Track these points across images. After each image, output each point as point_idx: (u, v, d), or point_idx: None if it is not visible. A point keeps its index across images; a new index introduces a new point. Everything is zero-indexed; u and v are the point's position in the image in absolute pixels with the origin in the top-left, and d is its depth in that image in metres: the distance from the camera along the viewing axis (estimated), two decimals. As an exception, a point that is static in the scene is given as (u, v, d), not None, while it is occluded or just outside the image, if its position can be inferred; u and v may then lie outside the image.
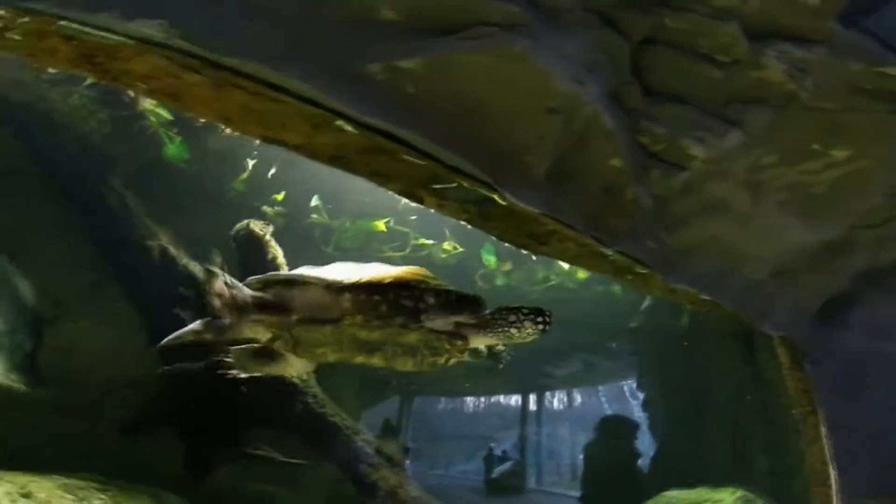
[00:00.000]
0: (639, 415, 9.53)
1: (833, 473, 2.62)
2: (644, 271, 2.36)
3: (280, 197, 4.72)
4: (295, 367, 2.33)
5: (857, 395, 2.75)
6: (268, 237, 4.20)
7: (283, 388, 4.33)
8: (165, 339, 2.08)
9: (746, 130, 1.56)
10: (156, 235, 4.57)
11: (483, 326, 1.98)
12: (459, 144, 1.51)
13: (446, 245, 5.12)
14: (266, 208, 4.75)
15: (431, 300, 1.90)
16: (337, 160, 1.82)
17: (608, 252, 2.04)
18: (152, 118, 4.34)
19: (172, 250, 4.52)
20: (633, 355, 8.58)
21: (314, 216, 4.87)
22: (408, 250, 5.06)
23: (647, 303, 7.00)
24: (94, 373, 4.49)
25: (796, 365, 2.99)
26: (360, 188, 4.88)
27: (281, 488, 4.84)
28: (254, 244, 4.21)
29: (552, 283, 5.89)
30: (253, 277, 2.08)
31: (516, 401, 19.95)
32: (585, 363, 10.85)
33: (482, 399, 24.69)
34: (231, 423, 4.29)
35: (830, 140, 1.73)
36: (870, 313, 2.88)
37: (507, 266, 5.60)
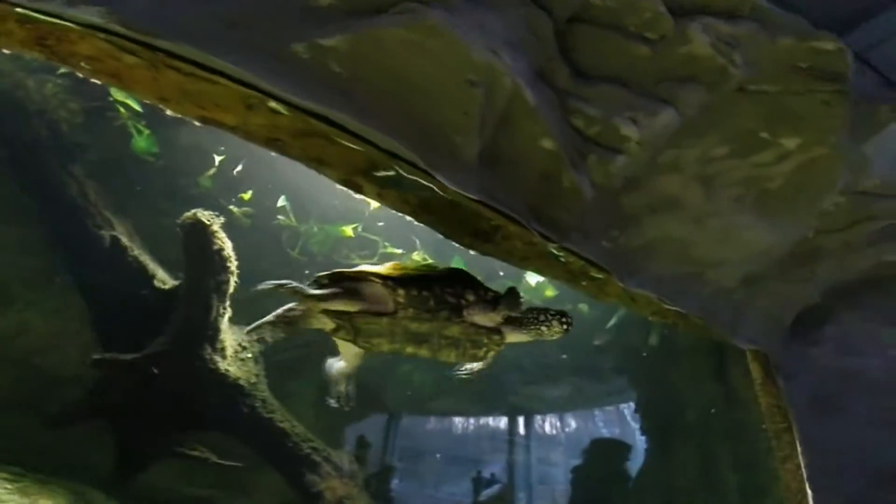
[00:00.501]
0: (640, 438, 9.42)
1: (809, 493, 2.56)
2: (600, 276, 2.31)
3: (247, 196, 4.66)
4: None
5: (833, 412, 2.71)
6: (215, 227, 4.11)
7: (229, 390, 4.24)
8: (250, 326, 2.34)
9: (680, 110, 1.52)
10: (112, 226, 4.50)
11: (518, 323, 2.21)
12: (390, 125, 1.49)
13: (416, 256, 5.05)
14: (233, 207, 4.68)
15: (471, 297, 2.14)
16: (273, 143, 1.83)
17: (557, 252, 1.99)
18: (121, 109, 4.29)
19: (124, 241, 4.44)
20: (619, 376, 8.49)
21: (281, 218, 4.80)
22: (376, 259, 4.99)
23: (613, 320, 6.96)
24: (35, 365, 4.39)
25: (769, 380, 2.94)
26: (329, 191, 4.83)
27: (222, 493, 4.71)
28: (200, 234, 4.13)
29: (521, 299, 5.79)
30: (322, 273, 2.28)
31: (505, 423, 19.89)
32: (572, 385, 10.72)
33: (471, 420, 24.58)
34: (168, 421, 4.18)
35: (777, 127, 1.70)
36: (840, 330, 2.86)
37: (477, 280, 5.50)
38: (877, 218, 2.23)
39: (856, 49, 1.95)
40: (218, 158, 4.52)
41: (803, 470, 2.58)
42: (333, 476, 4.17)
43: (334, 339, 2.37)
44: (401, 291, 2.09)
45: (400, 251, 5.10)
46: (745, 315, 2.81)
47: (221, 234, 4.10)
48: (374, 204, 4.60)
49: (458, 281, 2.19)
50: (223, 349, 4.29)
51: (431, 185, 1.74)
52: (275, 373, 4.65)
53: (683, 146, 1.68)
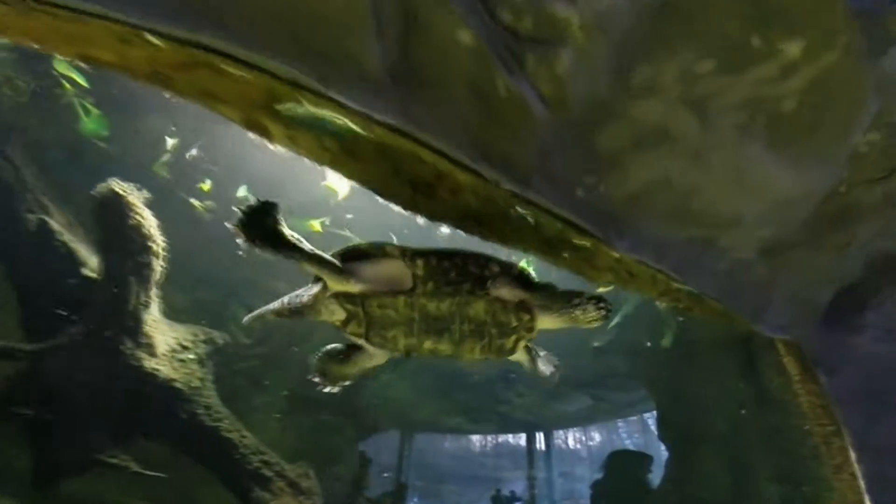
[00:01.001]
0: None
1: (869, 506, 2.21)
2: (585, 243, 1.99)
3: (206, 187, 4.38)
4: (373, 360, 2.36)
5: (887, 411, 2.31)
6: (132, 200, 3.79)
7: (161, 393, 3.89)
8: (248, 318, 2.15)
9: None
10: (47, 212, 4.25)
11: (549, 306, 2.08)
12: (272, 43, 1.26)
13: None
14: (194, 201, 4.42)
15: (496, 269, 2.02)
16: (156, 78, 1.61)
17: (521, 208, 1.68)
18: (66, 84, 4.05)
19: (53, 225, 4.17)
20: (630, 382, 8.12)
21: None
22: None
23: (616, 319, 6.55)
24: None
25: (808, 376, 2.60)
26: (295, 182, 4.59)
27: None
28: (113, 208, 3.81)
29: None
30: (337, 250, 2.11)
31: (497, 438, 20.01)
32: (582, 395, 10.34)
33: (489, 438, 24.72)
34: (89, 424, 3.83)
35: (769, 29, 1.35)
36: (886, 313, 2.51)
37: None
38: (923, 162, 1.87)
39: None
40: (170, 142, 4.25)
41: (860, 480, 2.22)
42: (286, 493, 3.82)
43: (346, 335, 2.18)
44: (419, 262, 1.97)
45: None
46: (770, 295, 2.47)
47: (141, 209, 3.79)
48: (342, 193, 4.37)
49: (481, 255, 2.06)
50: (151, 345, 3.93)
51: (345, 119, 1.48)
52: (238, 381, 4.37)
53: (657, 60, 1.35)
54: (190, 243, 4.25)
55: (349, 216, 4.76)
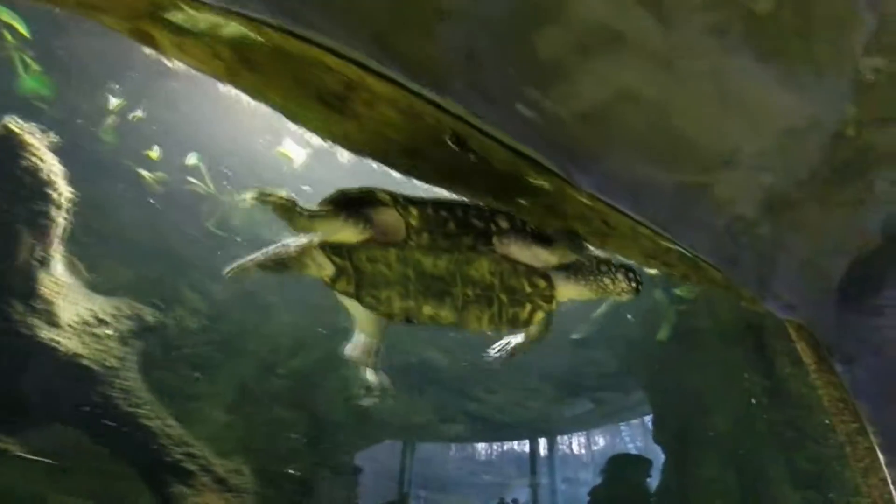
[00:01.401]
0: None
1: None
2: (544, 183, 1.78)
3: (154, 155, 4.17)
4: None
5: (915, 404, 2.11)
6: (29, 140, 3.47)
7: (66, 370, 3.53)
8: (229, 269, 2.05)
9: None
10: None
11: (573, 270, 1.96)
12: None
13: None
14: (143, 172, 4.22)
15: (504, 223, 1.90)
16: None
17: (447, 124, 1.46)
18: (7, 35, 3.80)
19: None
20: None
21: (192, 180, 4.27)
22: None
23: (602, 308, 6.24)
24: None
25: (824, 365, 2.38)
26: (251, 150, 4.40)
27: (79, 500, 4.01)
28: (2, 146, 3.46)
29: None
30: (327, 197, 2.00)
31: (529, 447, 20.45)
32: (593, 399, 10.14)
33: (495, 446, 24.99)
34: None
35: None
36: None
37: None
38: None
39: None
40: (114, 101, 4.02)
41: (891, 486, 2.02)
42: (210, 489, 3.59)
43: (337, 294, 2.10)
44: (413, 211, 1.88)
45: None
46: (777, 261, 2.25)
47: (41, 152, 3.46)
48: (298, 160, 4.19)
49: (487, 207, 1.94)
50: (50, 312, 3.59)
51: (233, 21, 1.29)
52: (181, 367, 4.15)
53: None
54: (137, 215, 4.08)
55: (306, 188, 4.56)
